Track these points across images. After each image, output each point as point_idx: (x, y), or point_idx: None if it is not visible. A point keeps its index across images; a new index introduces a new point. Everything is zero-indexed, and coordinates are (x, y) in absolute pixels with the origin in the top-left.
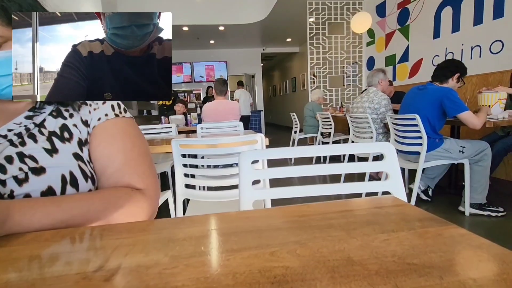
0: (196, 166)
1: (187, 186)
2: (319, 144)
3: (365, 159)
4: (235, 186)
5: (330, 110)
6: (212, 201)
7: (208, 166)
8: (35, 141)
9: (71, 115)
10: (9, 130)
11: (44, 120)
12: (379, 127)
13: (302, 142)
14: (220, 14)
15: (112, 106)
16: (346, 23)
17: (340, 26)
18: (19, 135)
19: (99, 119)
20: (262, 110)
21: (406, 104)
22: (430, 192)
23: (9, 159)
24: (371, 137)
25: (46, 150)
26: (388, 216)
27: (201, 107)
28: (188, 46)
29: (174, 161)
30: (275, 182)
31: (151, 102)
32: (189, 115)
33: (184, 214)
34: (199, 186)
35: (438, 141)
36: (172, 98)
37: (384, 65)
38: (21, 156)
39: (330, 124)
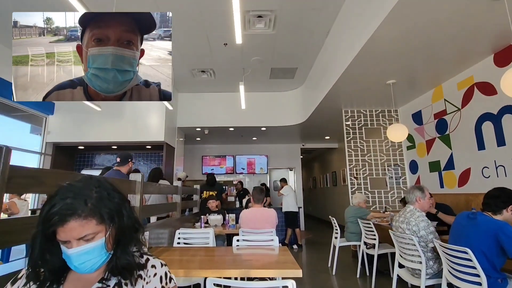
0: None
1: None
2: (362, 255)
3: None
4: None
5: (375, 215)
6: None
7: None
8: None
9: None
10: None
11: None
12: (426, 251)
13: (343, 249)
14: (263, 118)
15: (161, 278)
16: (383, 128)
17: (378, 130)
18: None
19: None
20: (301, 207)
21: (456, 233)
22: None
23: None
24: (420, 262)
25: None
26: None
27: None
28: (232, 141)
29: None
30: None
31: (192, 199)
32: (227, 215)
33: None
34: None
35: (501, 281)
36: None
37: (428, 170)
38: None
39: (374, 235)
